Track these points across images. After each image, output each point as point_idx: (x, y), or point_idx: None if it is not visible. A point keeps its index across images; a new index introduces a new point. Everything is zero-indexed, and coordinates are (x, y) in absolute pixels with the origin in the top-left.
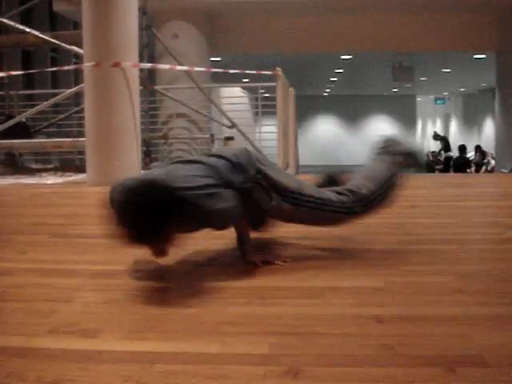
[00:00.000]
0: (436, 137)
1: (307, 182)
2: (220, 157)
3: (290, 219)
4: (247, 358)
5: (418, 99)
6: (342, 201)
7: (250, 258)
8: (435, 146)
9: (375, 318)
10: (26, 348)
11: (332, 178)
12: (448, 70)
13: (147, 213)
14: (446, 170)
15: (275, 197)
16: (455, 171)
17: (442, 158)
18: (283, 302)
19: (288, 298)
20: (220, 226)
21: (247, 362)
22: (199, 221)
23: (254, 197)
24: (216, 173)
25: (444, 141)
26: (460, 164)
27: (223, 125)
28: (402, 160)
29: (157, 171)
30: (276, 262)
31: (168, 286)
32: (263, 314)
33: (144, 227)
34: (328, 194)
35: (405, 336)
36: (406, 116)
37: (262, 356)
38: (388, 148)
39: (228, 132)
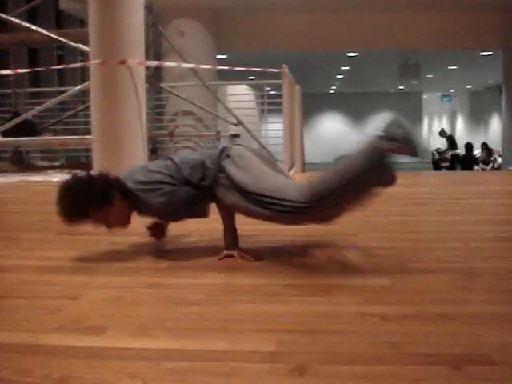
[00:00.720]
0: (442, 133)
1: (277, 180)
2: (199, 153)
3: (250, 215)
4: (254, 356)
5: (425, 96)
6: (299, 201)
7: (228, 251)
8: (440, 143)
9: (381, 316)
10: (33, 345)
11: None
12: (454, 67)
13: (79, 194)
14: (452, 167)
15: (236, 195)
16: (462, 169)
17: (448, 156)
18: (289, 299)
19: (294, 296)
20: (162, 218)
21: (254, 360)
22: (140, 210)
23: (216, 194)
24: (178, 171)
25: (450, 139)
26: (467, 162)
27: (229, 122)
28: (396, 146)
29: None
30: (249, 258)
31: (173, 283)
32: (270, 312)
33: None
34: (290, 194)
35: (411, 334)
36: (413, 113)
37: (268, 353)
38: (387, 130)
39: (234, 129)
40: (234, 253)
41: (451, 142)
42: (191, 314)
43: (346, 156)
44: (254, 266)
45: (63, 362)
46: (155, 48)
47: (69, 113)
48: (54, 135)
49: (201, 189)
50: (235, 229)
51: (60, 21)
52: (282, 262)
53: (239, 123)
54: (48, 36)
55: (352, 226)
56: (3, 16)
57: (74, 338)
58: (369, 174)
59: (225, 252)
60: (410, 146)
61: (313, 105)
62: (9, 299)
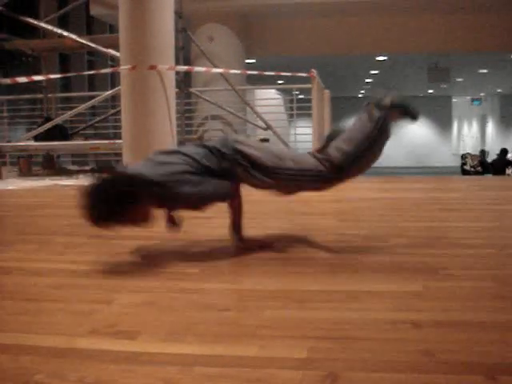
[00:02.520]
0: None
1: (291, 154)
2: (200, 146)
3: (273, 189)
4: (285, 362)
5: (454, 100)
6: (320, 170)
7: (238, 243)
8: (469, 147)
9: (413, 323)
10: (67, 348)
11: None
12: (485, 71)
13: (106, 198)
14: (482, 172)
15: (256, 173)
16: (494, 173)
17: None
18: (320, 305)
19: (324, 302)
20: (186, 206)
21: (285, 366)
22: (167, 202)
23: (236, 175)
24: (192, 160)
25: (483, 153)
26: (500, 166)
27: (258, 126)
28: (391, 112)
29: (135, 165)
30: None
31: (205, 288)
32: (300, 318)
33: (103, 211)
34: (309, 163)
35: (444, 342)
36: (442, 117)
37: (300, 360)
38: (377, 102)
39: (263, 134)
40: (241, 245)
41: (483, 155)
42: (222, 320)
43: (354, 124)
44: (285, 272)
45: (96, 366)
46: (185, 53)
47: (99, 117)
48: (84, 140)
49: (222, 172)
50: (241, 221)
51: (90, 26)
52: (311, 268)
53: (268, 127)
54: (79, 42)
55: (381, 232)
56: (36, 22)
57: (107, 342)
58: (379, 138)
59: (235, 243)
60: (409, 109)
61: (342, 109)
62: (43, 302)
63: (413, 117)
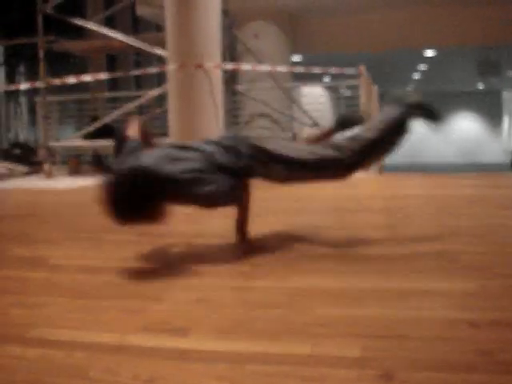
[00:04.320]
0: None
1: (307, 147)
2: (211, 142)
3: (292, 181)
4: (339, 361)
5: (505, 95)
6: (337, 157)
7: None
8: None
9: (470, 322)
10: (120, 345)
11: (346, 121)
12: None
13: (128, 196)
14: None
15: (276, 167)
16: None
17: None
18: (372, 303)
19: (377, 300)
20: (203, 206)
21: (340, 365)
22: (182, 199)
23: (255, 171)
24: (206, 158)
25: None
26: None
27: (305, 124)
28: (413, 111)
29: (147, 157)
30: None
31: (255, 286)
32: (352, 316)
33: (126, 208)
34: (326, 151)
35: (502, 342)
36: (492, 112)
37: (354, 359)
38: (401, 98)
39: (309, 131)
40: (242, 246)
41: None
42: (273, 317)
43: (378, 116)
44: (335, 270)
45: (149, 363)
46: (231, 51)
47: (146, 116)
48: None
49: (237, 171)
50: (247, 220)
51: (137, 26)
52: (362, 266)
53: (315, 124)
54: (126, 42)
55: (432, 230)
56: (83, 24)
57: (159, 339)
58: (397, 132)
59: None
60: (431, 111)
61: None
62: (95, 300)
63: (435, 118)
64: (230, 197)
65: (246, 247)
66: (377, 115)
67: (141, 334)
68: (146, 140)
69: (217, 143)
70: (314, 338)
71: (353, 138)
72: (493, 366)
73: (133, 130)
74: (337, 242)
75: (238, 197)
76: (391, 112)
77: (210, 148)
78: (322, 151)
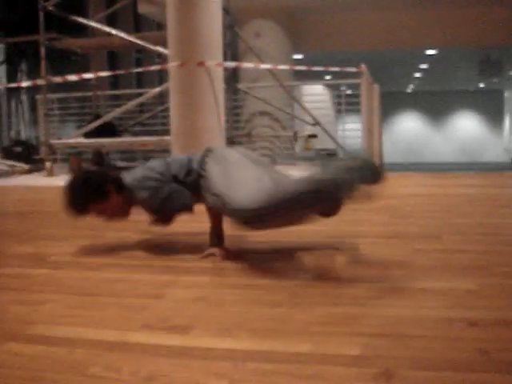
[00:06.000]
0: None
1: (242, 180)
2: (181, 156)
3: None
4: (339, 359)
5: (506, 94)
6: (244, 208)
7: (210, 250)
8: None
9: (469, 321)
10: (121, 342)
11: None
12: None
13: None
14: None
15: (209, 196)
16: None
17: None
18: (373, 303)
19: (377, 299)
20: (149, 213)
21: (339, 363)
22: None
23: (200, 189)
24: (167, 169)
25: None
26: None
27: (306, 122)
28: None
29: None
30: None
31: (256, 284)
32: (353, 315)
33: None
34: (244, 198)
35: (501, 341)
36: (493, 112)
37: (353, 357)
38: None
39: (311, 130)
40: (216, 251)
41: None
42: (274, 315)
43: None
44: (335, 268)
45: (150, 360)
46: (232, 49)
47: (147, 114)
48: (133, 136)
49: (187, 185)
50: (221, 228)
51: (138, 24)
52: (362, 264)
53: (316, 123)
54: (128, 40)
55: (435, 228)
56: (85, 21)
57: (160, 336)
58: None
59: (207, 251)
60: (371, 173)
61: (390, 104)
62: (96, 297)
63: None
64: (174, 203)
65: (222, 253)
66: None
67: (141, 332)
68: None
69: (186, 157)
70: (313, 336)
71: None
72: (492, 365)
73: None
74: (337, 240)
75: (184, 204)
76: (322, 174)
77: (175, 159)
78: (240, 193)
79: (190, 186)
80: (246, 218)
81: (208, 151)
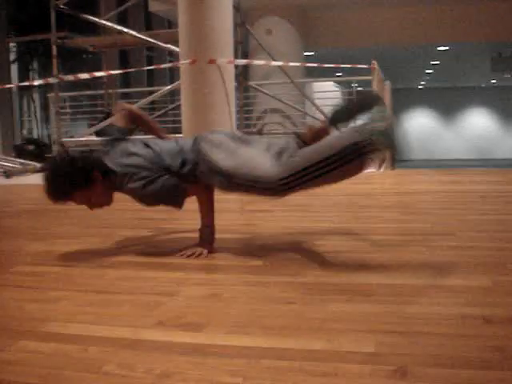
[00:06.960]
0: None
1: (251, 156)
2: (172, 142)
3: (233, 192)
4: (353, 356)
5: None
6: (269, 180)
7: (197, 248)
8: None
9: (484, 318)
10: (135, 340)
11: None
12: None
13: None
14: None
15: (216, 178)
16: None
17: None
18: (386, 299)
19: (390, 296)
20: (137, 201)
21: (353, 360)
22: (121, 191)
23: (198, 178)
24: (158, 159)
25: None
26: None
27: (317, 119)
28: (373, 147)
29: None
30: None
31: (269, 281)
32: (366, 312)
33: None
34: (264, 169)
35: None
36: (506, 108)
37: (368, 354)
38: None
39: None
40: (205, 251)
41: None
42: (288, 313)
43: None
44: (349, 265)
45: (164, 358)
46: (243, 46)
47: (159, 112)
48: (144, 134)
49: (181, 176)
50: (213, 226)
51: (149, 22)
52: (376, 261)
53: None
54: (139, 38)
55: (448, 225)
56: (96, 20)
57: (174, 333)
58: (341, 161)
59: (196, 250)
60: (387, 143)
61: (401, 100)
62: (110, 294)
63: (391, 151)
64: (165, 198)
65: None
66: (333, 136)
67: (155, 329)
68: (142, 126)
69: (175, 144)
70: (327, 333)
71: (294, 161)
72: (508, 363)
73: (118, 118)
74: (350, 237)
75: (175, 200)
76: (347, 137)
77: (170, 147)
78: (260, 169)
79: (186, 176)
80: (285, 185)
81: (199, 139)
